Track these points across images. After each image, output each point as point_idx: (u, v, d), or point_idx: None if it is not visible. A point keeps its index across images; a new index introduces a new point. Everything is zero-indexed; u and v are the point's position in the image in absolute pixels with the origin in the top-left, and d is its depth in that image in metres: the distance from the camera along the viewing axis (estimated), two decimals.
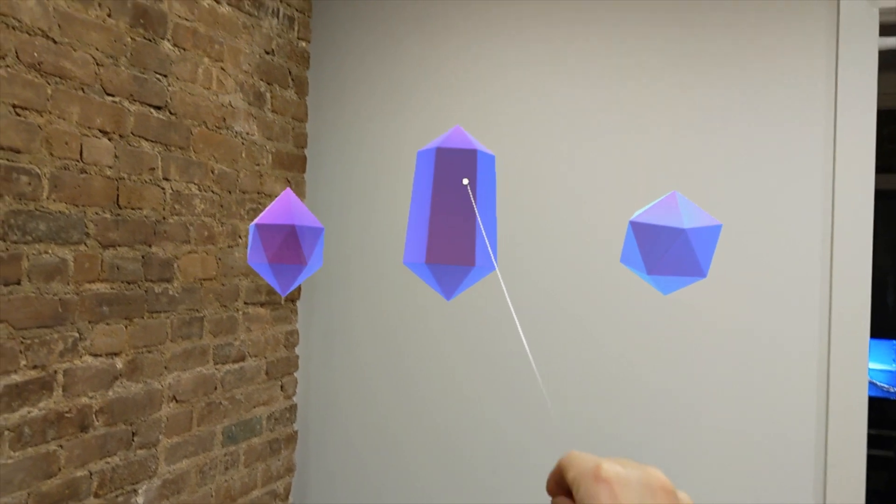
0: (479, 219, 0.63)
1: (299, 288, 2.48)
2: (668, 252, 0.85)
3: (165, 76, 1.86)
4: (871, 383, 4.15)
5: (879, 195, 2.09)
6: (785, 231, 2.07)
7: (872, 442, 2.24)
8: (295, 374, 2.48)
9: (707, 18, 2.13)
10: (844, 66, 2.03)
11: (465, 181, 0.63)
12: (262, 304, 2.28)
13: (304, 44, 2.46)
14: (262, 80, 2.24)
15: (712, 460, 2.11)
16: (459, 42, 2.35)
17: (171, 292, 1.90)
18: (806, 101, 2.06)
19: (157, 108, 1.84)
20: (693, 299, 2.12)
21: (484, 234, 0.63)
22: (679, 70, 2.15)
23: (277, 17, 2.30)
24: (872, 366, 4.20)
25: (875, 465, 2.39)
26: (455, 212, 0.62)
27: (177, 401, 1.93)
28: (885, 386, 4.35)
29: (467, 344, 2.33)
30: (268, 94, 2.27)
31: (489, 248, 0.63)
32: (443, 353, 2.36)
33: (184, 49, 1.92)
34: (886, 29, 2.07)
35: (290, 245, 0.90)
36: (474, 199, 0.63)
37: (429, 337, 2.37)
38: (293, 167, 2.42)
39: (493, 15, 2.32)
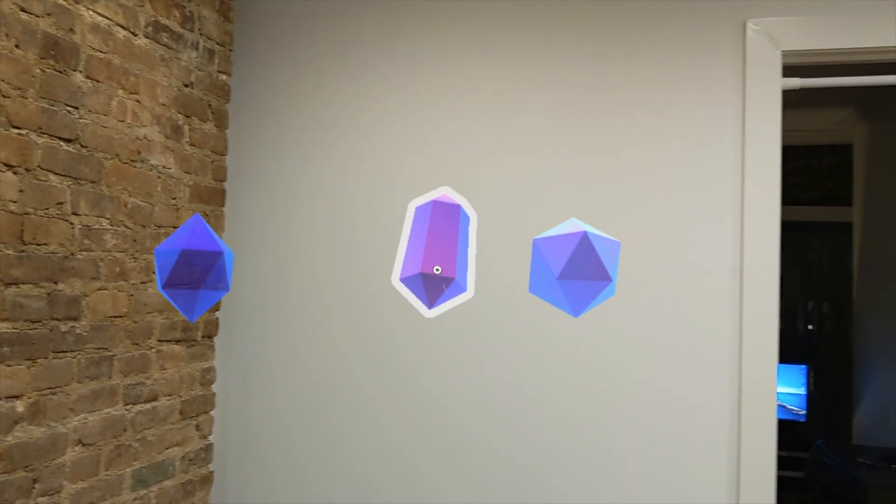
0: (458, 252, 0.88)
1: (217, 323, 2.42)
2: (572, 257, 0.90)
3: (77, 108, 1.81)
4: (781, 406, 4.31)
5: (786, 226, 2.19)
6: (696, 261, 2.14)
7: (783, 463, 2.32)
8: (211, 412, 2.40)
9: (623, 51, 2.21)
10: (751, 104, 2.13)
11: (438, 269, 0.88)
12: (177, 342, 2.22)
13: (224, 77, 2.43)
14: (180, 112, 2.20)
15: (621, 483, 2.14)
16: (380, 75, 2.37)
17: (78, 331, 1.83)
18: (716, 138, 2.15)
19: (67, 140, 1.78)
20: (603, 326, 2.17)
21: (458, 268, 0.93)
22: (592, 97, 2.22)
23: (197, 50, 2.28)
24: (783, 390, 4.36)
25: (786, 487, 2.47)
26: (442, 248, 0.87)
27: (83, 444, 1.85)
28: (795, 409, 4.52)
29: (385, 380, 2.31)
30: (186, 127, 2.23)
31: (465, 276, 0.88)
32: (362, 388, 2.33)
33: (97, 81, 1.87)
34: (788, 70, 2.18)
35: (185, 269, 0.88)
36: (456, 244, 0.87)
37: (348, 373, 2.35)
38: (212, 201, 2.38)
39: (412, 48, 2.35)
